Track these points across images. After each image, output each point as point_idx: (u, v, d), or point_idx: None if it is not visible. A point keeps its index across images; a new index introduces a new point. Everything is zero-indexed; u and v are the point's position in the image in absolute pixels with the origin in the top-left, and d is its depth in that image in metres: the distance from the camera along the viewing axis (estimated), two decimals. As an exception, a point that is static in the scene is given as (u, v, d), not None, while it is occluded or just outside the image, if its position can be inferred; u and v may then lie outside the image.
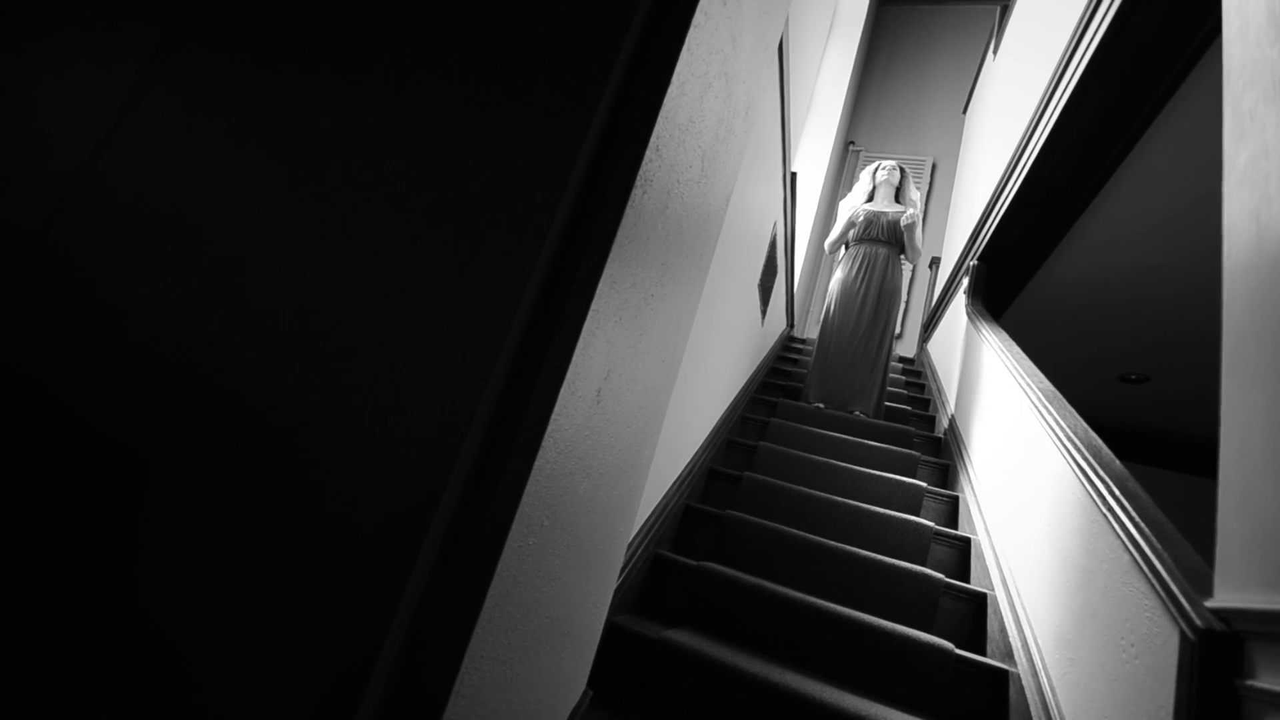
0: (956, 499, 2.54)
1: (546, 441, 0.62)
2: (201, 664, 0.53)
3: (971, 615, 1.87)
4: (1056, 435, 1.62)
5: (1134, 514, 1.15)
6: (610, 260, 0.67)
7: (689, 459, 2.23)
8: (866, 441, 2.83)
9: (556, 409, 0.62)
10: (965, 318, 3.16)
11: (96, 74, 0.77)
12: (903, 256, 3.46)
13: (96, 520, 0.58)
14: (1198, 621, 0.88)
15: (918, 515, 2.41)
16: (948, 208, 5.69)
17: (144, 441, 0.59)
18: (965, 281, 3.32)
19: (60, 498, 0.59)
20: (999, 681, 1.54)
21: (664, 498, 1.95)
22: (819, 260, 6.15)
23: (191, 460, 0.58)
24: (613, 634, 1.49)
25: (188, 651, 0.53)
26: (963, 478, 2.63)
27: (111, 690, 0.54)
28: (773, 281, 3.23)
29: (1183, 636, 0.91)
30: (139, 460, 0.59)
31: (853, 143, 6.50)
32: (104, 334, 0.63)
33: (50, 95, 0.78)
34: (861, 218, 3.46)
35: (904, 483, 2.49)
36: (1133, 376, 3.93)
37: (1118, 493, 1.23)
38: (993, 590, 1.87)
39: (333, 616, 0.52)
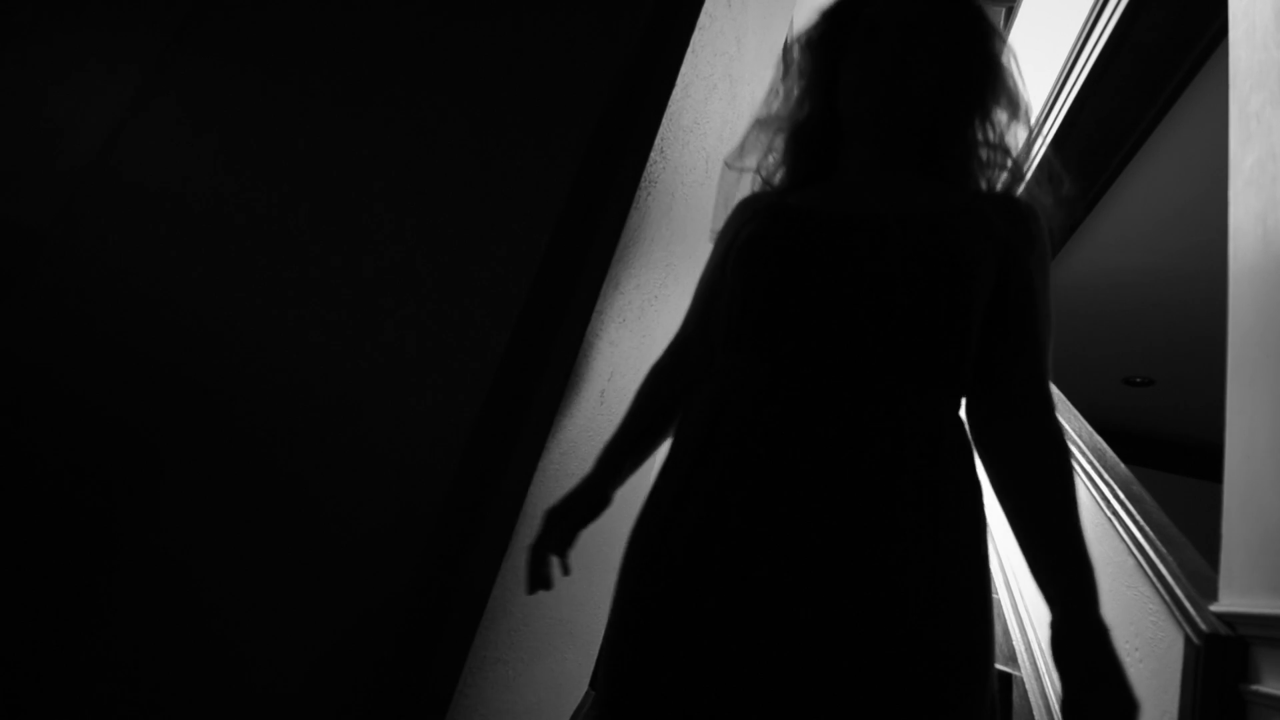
0: (960, 501, 2.53)
1: (551, 442, 0.62)
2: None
3: (975, 618, 1.86)
4: (1061, 438, 1.61)
5: (1138, 517, 1.15)
6: (614, 262, 0.67)
7: (692, 460, 2.23)
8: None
9: (560, 410, 0.62)
10: (969, 320, 3.15)
11: (102, 77, 0.78)
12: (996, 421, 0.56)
13: (122, 491, 0.58)
14: (1202, 626, 0.88)
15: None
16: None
17: (159, 424, 0.59)
18: (969, 283, 3.30)
19: (88, 477, 0.59)
20: (1002, 685, 1.54)
21: (667, 499, 1.95)
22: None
23: (210, 445, 0.58)
24: (615, 635, 1.49)
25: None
26: (966, 480, 2.62)
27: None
28: (776, 283, 3.22)
29: (1187, 641, 0.90)
30: (151, 446, 0.59)
31: (857, 144, 6.45)
32: (116, 325, 0.63)
33: (57, 97, 0.78)
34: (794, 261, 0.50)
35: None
36: (1137, 380, 3.91)
37: (1122, 496, 1.23)
38: (996, 593, 1.87)
39: (344, 596, 0.53)
